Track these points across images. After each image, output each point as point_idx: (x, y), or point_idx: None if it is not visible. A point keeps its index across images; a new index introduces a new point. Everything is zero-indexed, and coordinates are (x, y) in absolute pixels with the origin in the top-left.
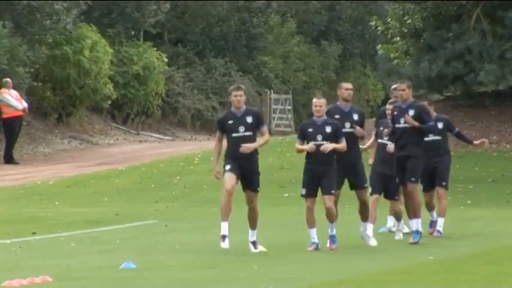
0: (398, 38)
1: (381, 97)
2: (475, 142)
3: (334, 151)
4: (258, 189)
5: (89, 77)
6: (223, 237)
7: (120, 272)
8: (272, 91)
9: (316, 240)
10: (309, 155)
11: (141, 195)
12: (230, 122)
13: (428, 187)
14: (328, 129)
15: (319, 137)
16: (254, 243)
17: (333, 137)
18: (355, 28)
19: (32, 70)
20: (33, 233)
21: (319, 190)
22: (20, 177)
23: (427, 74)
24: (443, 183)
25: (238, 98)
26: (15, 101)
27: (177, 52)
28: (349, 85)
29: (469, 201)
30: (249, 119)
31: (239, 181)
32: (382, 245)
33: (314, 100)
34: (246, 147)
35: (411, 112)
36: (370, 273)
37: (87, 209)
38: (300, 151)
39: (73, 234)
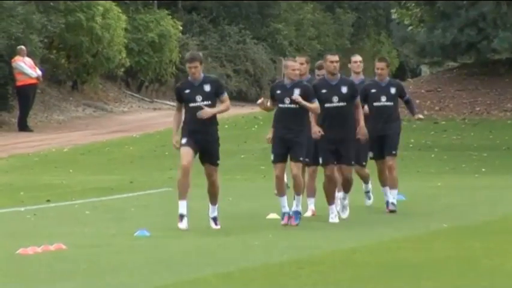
0: (413, 5)
1: (396, 64)
2: (417, 115)
3: (306, 113)
4: (218, 162)
5: (101, 44)
6: (181, 216)
7: (134, 239)
8: (286, 58)
9: (286, 209)
10: (278, 119)
11: (155, 162)
12: (187, 91)
13: (379, 156)
14: (297, 91)
15: (287, 100)
16: (215, 219)
17: (304, 99)
18: None
19: (46, 40)
20: (48, 201)
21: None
22: (34, 144)
23: (441, 41)
24: (393, 152)
25: (193, 70)
26: (29, 68)
27: (191, 20)
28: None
29: (483, 169)
30: (207, 88)
31: (197, 155)
32: (396, 213)
33: (289, 63)
34: (204, 112)
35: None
36: (384, 240)
37: (102, 176)
38: (264, 108)
39: (87, 202)
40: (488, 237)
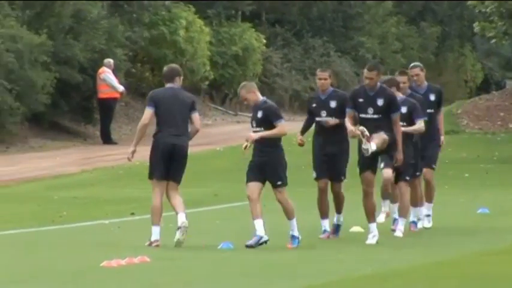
0: (496, 18)
1: (480, 77)
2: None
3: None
4: None
5: (185, 57)
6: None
7: (218, 252)
8: None
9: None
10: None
11: (240, 175)
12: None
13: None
14: (260, 114)
15: (254, 123)
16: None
17: (266, 122)
18: (453, 10)
19: (131, 53)
20: (132, 214)
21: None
22: (118, 157)
23: None
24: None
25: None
26: (116, 82)
27: (274, 33)
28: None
29: None
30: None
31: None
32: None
33: (240, 93)
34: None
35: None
36: (468, 254)
37: (186, 189)
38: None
39: (171, 215)
40: None
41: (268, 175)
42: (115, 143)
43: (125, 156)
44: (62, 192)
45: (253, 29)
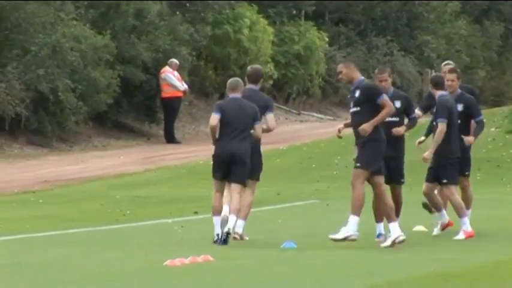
0: None
1: None
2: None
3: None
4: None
5: (248, 56)
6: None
7: (281, 251)
8: (433, 71)
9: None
10: None
11: (302, 175)
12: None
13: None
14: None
15: None
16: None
17: None
18: None
19: (194, 53)
20: (195, 213)
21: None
22: (182, 156)
23: None
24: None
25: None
26: (178, 81)
27: (338, 32)
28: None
29: None
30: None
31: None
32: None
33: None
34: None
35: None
36: None
37: None
38: None
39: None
40: None
41: None
42: (178, 142)
43: (188, 155)
44: (125, 192)
45: (315, 27)
